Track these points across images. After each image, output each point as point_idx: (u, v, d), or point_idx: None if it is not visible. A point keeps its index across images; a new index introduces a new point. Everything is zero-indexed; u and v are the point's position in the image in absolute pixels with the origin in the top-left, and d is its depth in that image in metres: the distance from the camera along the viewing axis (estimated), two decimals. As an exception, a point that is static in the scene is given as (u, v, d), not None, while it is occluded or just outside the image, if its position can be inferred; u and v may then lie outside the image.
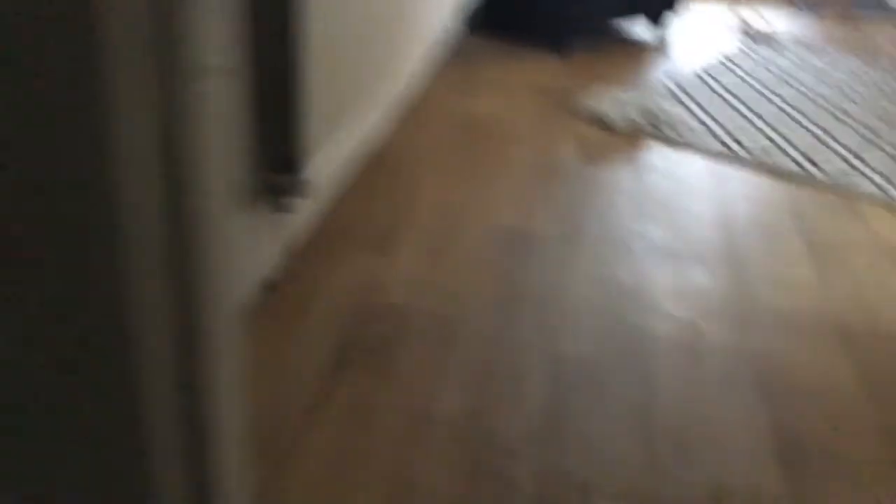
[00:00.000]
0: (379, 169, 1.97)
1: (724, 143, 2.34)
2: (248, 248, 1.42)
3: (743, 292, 1.62)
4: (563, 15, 2.97)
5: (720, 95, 2.76)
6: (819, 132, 2.51)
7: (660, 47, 3.24)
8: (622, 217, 1.88)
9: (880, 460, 1.22)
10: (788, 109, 2.70)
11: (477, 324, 1.47)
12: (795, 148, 2.37)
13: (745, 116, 2.58)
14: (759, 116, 2.60)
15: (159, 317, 0.55)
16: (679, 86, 2.80)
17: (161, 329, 0.56)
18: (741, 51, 3.39)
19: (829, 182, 2.17)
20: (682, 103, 2.62)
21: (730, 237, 1.83)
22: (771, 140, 2.41)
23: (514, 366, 1.37)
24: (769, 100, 2.77)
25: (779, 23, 4.03)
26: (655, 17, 3.33)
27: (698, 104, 2.64)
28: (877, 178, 2.21)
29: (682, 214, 1.92)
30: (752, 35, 3.64)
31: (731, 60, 3.21)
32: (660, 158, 2.20)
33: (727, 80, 2.95)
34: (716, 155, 2.28)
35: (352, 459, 1.16)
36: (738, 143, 2.36)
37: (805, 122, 2.59)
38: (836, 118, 2.66)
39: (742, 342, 1.47)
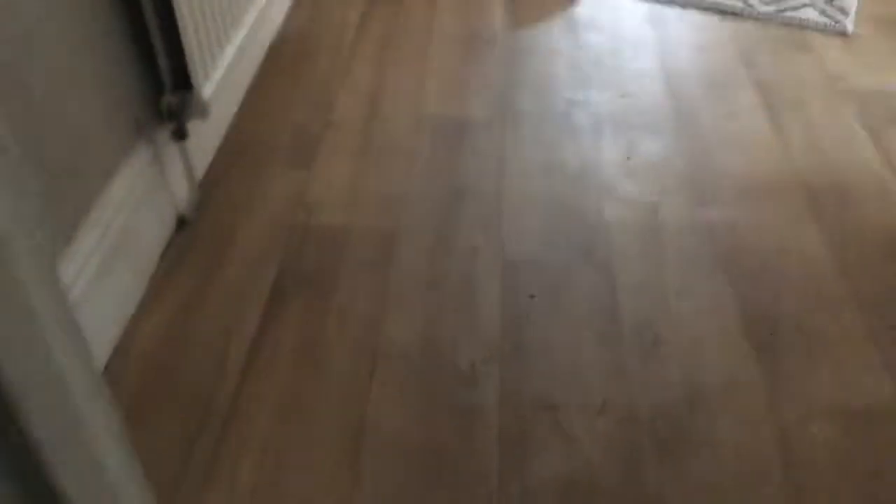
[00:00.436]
0: (286, 65, 1.76)
1: (661, -16, 2.15)
2: (152, 187, 1.24)
3: (698, 159, 1.52)
4: None
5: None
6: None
7: None
8: (561, 87, 1.73)
9: (855, 334, 1.17)
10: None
11: (417, 234, 1.34)
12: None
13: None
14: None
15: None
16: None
17: None
18: None
19: (772, 12, 2.02)
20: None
21: (678, 95, 1.70)
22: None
23: (462, 279, 1.26)
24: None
25: None
26: None
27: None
28: (819, 2, 2.07)
29: (624, 75, 1.77)
30: None
31: None
32: (595, 9, 2.01)
33: None
34: (653, -2, 2.10)
35: (299, 405, 1.07)
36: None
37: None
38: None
39: (702, 217, 1.38)
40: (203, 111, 1.28)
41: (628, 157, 1.52)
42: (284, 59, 1.77)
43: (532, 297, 1.23)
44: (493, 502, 0.96)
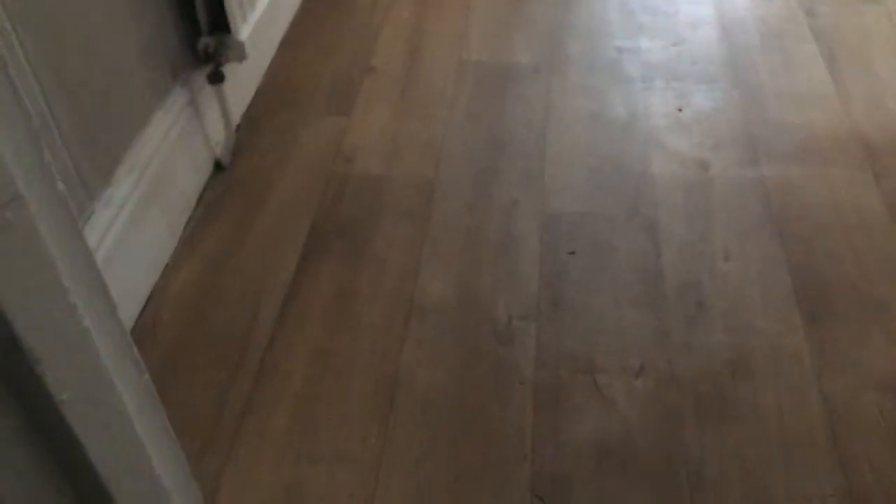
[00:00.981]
0: (325, 9, 1.71)
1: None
2: (188, 130, 1.22)
3: (752, 112, 1.44)
4: None
5: None
6: None
7: None
8: (610, 33, 1.65)
9: (912, 300, 1.12)
10: None
11: (456, 184, 1.31)
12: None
13: None
14: None
15: None
16: None
17: None
18: None
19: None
20: None
21: (734, 45, 1.61)
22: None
23: (501, 232, 1.23)
24: None
25: None
26: None
27: None
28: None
29: (678, 22, 1.68)
30: None
31: None
32: (648, -48, 1.91)
33: None
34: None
35: (332, 356, 1.06)
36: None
37: None
38: None
39: (755, 174, 1.32)
40: (240, 53, 1.25)
41: (679, 109, 1.45)
42: (323, 3, 1.72)
43: (572, 253, 1.20)
44: (526, 462, 0.95)
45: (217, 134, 1.31)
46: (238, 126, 1.39)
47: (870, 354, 1.06)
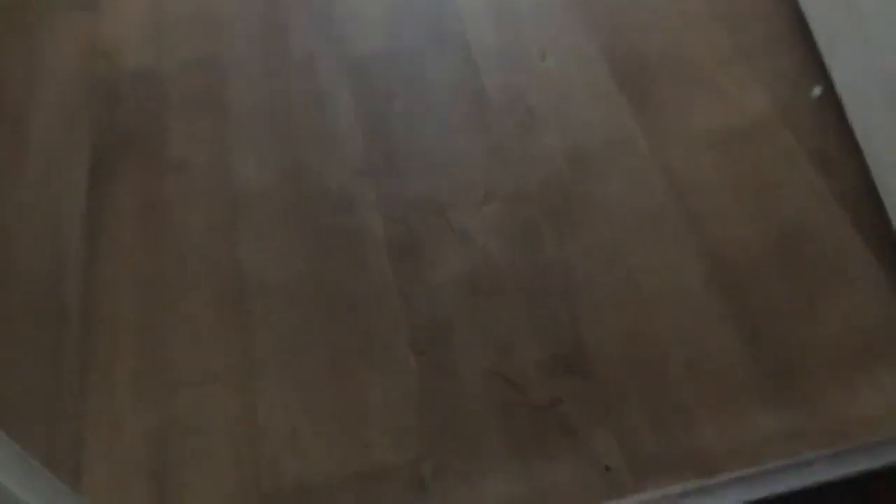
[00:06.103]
0: None
1: None
2: None
3: None
4: None
5: None
6: None
7: None
8: None
9: (724, 53, 1.12)
10: None
11: (243, 55, 1.17)
12: None
13: None
14: None
15: None
16: None
17: None
18: None
19: None
20: None
21: None
22: None
23: (309, 94, 1.12)
24: None
25: None
26: None
27: None
28: None
29: None
30: None
31: None
32: None
33: None
34: None
35: (162, 278, 0.95)
36: None
37: None
38: None
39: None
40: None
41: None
42: None
43: (391, 96, 1.11)
44: (401, 321, 0.90)
45: (-60, 67, 1.08)
46: (-35, 51, 1.16)
47: (696, 116, 1.06)
